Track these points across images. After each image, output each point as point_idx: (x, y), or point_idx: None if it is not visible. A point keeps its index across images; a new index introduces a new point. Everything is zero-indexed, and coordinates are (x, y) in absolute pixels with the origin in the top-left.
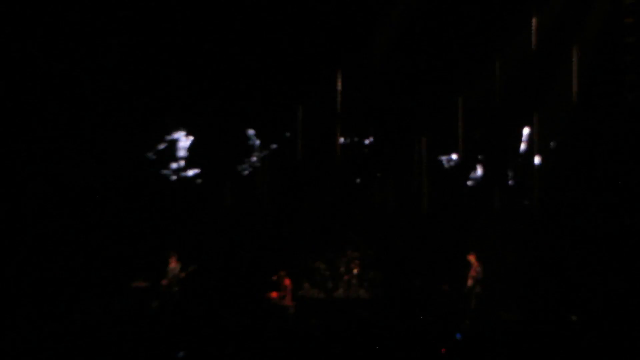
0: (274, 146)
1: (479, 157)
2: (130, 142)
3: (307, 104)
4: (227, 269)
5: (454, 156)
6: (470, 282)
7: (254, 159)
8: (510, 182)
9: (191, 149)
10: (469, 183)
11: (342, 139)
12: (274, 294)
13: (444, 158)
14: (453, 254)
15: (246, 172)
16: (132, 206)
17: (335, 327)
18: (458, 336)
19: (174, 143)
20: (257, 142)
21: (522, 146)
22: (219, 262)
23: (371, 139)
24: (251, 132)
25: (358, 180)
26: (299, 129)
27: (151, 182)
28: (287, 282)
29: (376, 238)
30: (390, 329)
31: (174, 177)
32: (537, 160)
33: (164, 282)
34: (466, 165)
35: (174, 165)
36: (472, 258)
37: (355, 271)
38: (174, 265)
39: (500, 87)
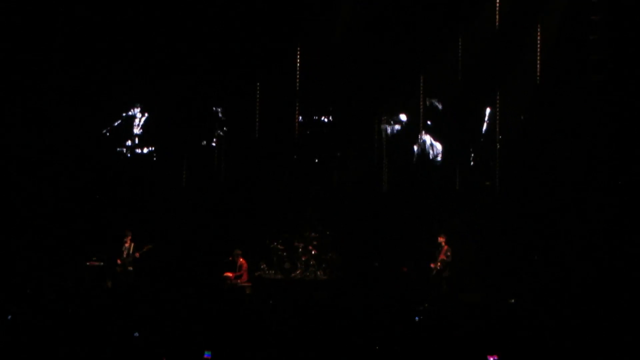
0: (232, 124)
1: (441, 135)
2: (85, 118)
3: (265, 82)
4: (182, 248)
5: (418, 136)
6: (439, 265)
7: (212, 136)
8: (472, 162)
9: (147, 125)
10: (431, 162)
11: (300, 118)
12: (229, 274)
13: (404, 137)
14: (415, 234)
15: (203, 150)
16: (86, 183)
17: (291, 308)
18: (416, 319)
19: (129, 120)
20: (215, 119)
21: (485, 125)
22: (174, 241)
23: (330, 117)
24: (209, 109)
25: (316, 160)
26: (257, 107)
27: (106, 159)
28: (242, 262)
29: (335, 218)
30: (347, 311)
31: (129, 155)
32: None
33: (119, 261)
34: (427, 144)
35: (129, 143)
36: (441, 240)
37: (313, 252)
38: (128, 244)
39: (462, 65)
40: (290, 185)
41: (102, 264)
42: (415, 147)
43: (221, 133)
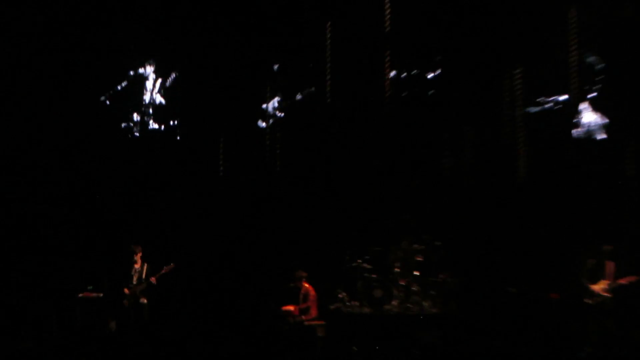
0: (291, 88)
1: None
2: (70, 79)
3: (340, 21)
4: (218, 270)
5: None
6: (603, 290)
7: (262, 106)
8: None
9: (166, 90)
10: (589, 142)
11: (392, 73)
12: (290, 308)
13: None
14: (567, 245)
15: (249, 127)
16: (76, 176)
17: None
18: None
19: (139, 81)
20: (268, 81)
21: None
22: (206, 259)
23: (437, 72)
24: (259, 67)
25: (418, 138)
26: (327, 61)
27: (104, 140)
28: (309, 289)
29: (447, 223)
30: None
31: (139, 133)
32: None
33: (126, 290)
34: (586, 118)
35: (137, 116)
36: (607, 251)
37: (416, 273)
38: (139, 265)
39: None
40: (380, 177)
41: (101, 295)
42: (569, 121)
43: (275, 102)
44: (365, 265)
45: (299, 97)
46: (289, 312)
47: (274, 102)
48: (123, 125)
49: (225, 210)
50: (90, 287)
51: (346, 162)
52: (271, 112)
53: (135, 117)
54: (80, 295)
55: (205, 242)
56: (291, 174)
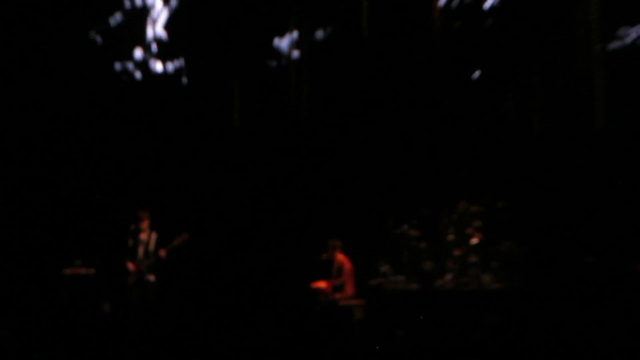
0: (318, 18)
1: None
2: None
3: None
4: (238, 240)
5: None
6: None
7: (285, 43)
8: None
9: (171, 22)
10: None
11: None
12: (321, 285)
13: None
14: None
15: (270, 66)
16: (63, 127)
17: (440, 345)
18: None
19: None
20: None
21: None
22: (224, 228)
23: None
24: None
25: (477, 74)
26: None
27: (96, 83)
28: (343, 261)
29: (511, 180)
30: (546, 348)
31: (139, 75)
32: None
33: (131, 266)
34: None
35: (138, 54)
36: None
37: (474, 240)
38: (145, 236)
39: None
40: (429, 125)
41: (92, 271)
42: None
43: (301, 37)
44: (412, 232)
45: (328, 32)
46: (320, 289)
47: (298, 37)
48: (117, 67)
49: (243, 169)
50: (78, 262)
51: (387, 109)
52: (295, 50)
53: (137, 54)
54: (66, 271)
55: (221, 207)
56: (320, 124)
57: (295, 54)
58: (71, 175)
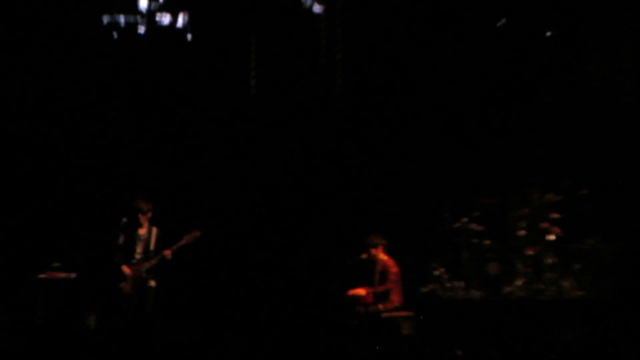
0: None
1: None
2: None
3: None
4: (259, 236)
5: None
6: None
7: None
8: None
9: None
10: None
11: None
12: (360, 292)
13: None
14: None
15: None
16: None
17: None
18: None
19: None
20: None
21: None
22: (241, 222)
23: None
24: None
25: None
26: None
27: (80, 43)
28: (387, 262)
29: (597, 162)
30: None
31: (132, 34)
32: None
33: (127, 270)
34: None
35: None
36: None
37: (551, 237)
38: (144, 232)
39: None
40: (496, 90)
41: (73, 276)
42: None
43: None
44: (473, 226)
45: None
46: (358, 298)
47: None
48: (105, 20)
49: (262, 147)
50: (56, 264)
51: (441, 75)
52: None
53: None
54: (41, 275)
55: (238, 195)
56: (357, 95)
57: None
58: (47, 151)
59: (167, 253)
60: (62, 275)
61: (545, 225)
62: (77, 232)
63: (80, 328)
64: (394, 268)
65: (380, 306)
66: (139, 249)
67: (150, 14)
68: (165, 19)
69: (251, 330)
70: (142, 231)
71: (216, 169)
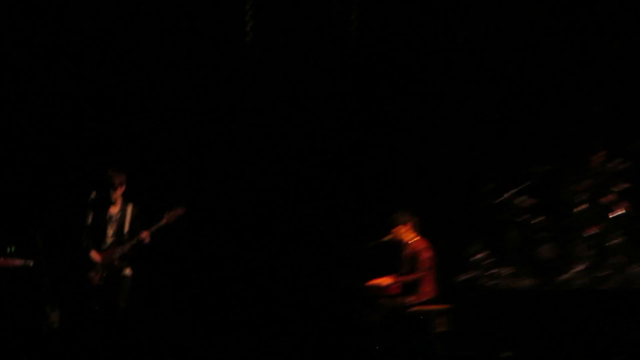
0: None
1: None
2: None
3: None
4: (254, 216)
5: None
6: None
7: None
8: None
9: None
10: None
11: None
12: (384, 282)
13: None
14: None
15: None
16: None
17: None
18: None
19: None
20: None
21: None
22: (235, 197)
23: None
24: None
25: None
26: None
27: None
28: (415, 244)
29: None
30: None
31: None
32: None
33: (96, 256)
34: None
35: None
36: None
37: (617, 212)
38: (116, 210)
39: None
40: (545, 40)
41: (31, 264)
42: None
43: None
44: (522, 200)
45: None
46: (382, 289)
47: None
48: None
49: (263, 105)
50: (10, 249)
51: (478, 21)
52: None
53: None
54: None
55: (232, 162)
56: (377, 47)
57: None
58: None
59: (145, 235)
60: (18, 262)
61: (609, 198)
62: (35, 209)
63: (41, 328)
64: (426, 252)
65: (410, 299)
66: (110, 231)
67: None
68: None
69: (251, 331)
70: (114, 209)
71: (206, 131)
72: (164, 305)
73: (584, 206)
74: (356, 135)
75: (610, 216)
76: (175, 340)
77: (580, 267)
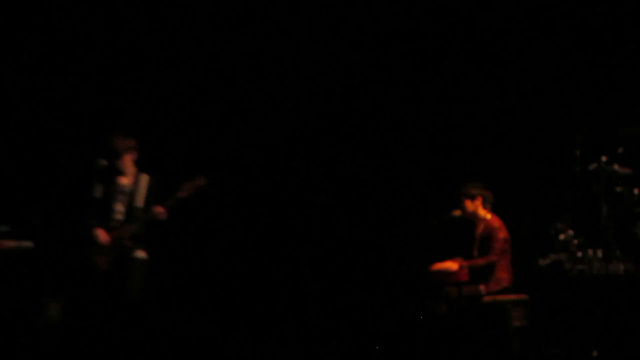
0: None
1: None
2: None
3: None
4: (285, 185)
5: None
6: None
7: None
8: None
9: None
10: None
11: None
12: (451, 267)
13: None
14: None
15: None
16: None
17: None
18: None
19: None
20: None
21: None
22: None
23: None
24: None
25: None
26: None
27: None
28: (493, 224)
29: None
30: None
31: None
32: None
33: (103, 236)
34: None
35: None
36: None
37: None
38: (130, 181)
39: None
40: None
41: (30, 245)
42: None
43: None
44: (617, 168)
45: None
46: (448, 275)
47: None
48: None
49: (296, 64)
50: (4, 228)
51: None
52: None
53: None
54: None
55: (259, 128)
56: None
57: None
58: None
59: (160, 211)
60: (12, 244)
61: None
62: (32, 182)
63: (39, 321)
64: (501, 232)
65: (481, 287)
66: (119, 206)
67: None
68: None
69: (287, 325)
70: (125, 180)
71: (229, 87)
72: (185, 296)
73: None
74: (413, 89)
75: None
76: (195, 337)
77: None
